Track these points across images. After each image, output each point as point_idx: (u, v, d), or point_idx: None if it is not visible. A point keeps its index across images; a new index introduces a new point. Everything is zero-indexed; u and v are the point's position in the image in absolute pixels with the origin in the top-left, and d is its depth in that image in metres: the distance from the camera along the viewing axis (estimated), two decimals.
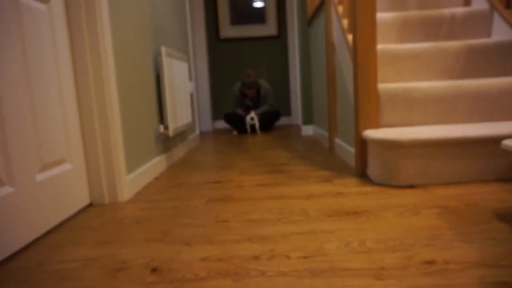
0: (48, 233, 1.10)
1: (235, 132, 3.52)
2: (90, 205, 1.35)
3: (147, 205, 1.31)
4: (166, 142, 2.05)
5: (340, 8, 1.94)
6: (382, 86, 1.54)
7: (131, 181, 1.47)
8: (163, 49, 1.89)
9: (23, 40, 1.03)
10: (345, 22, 1.84)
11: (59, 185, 1.16)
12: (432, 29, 1.95)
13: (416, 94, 1.52)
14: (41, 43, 1.11)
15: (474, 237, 0.87)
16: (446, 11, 1.95)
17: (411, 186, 1.33)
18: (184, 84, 2.39)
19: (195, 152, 2.56)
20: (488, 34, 1.95)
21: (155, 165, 1.80)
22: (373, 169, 1.43)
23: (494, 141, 1.31)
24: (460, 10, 1.95)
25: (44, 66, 1.12)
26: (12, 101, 0.96)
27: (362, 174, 1.53)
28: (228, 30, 4.29)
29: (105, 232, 1.07)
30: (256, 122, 3.44)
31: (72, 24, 1.27)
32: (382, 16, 1.95)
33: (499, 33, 1.87)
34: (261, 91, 3.65)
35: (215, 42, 4.32)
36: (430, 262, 0.77)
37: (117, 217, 1.20)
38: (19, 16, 1.02)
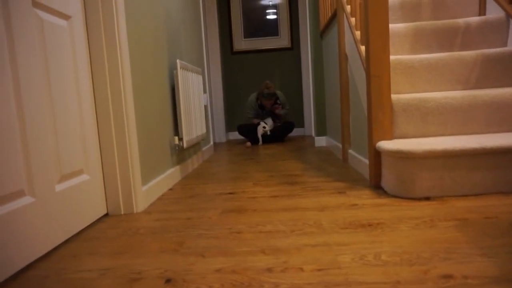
0: (65, 242, 1.12)
1: (248, 143, 3.54)
2: (106, 215, 1.38)
3: (162, 216, 1.33)
4: (180, 153, 2.07)
5: (353, 20, 1.95)
6: (396, 96, 1.52)
7: (146, 192, 1.49)
8: (179, 62, 1.93)
9: (46, 54, 1.07)
10: (357, 33, 1.84)
11: (77, 195, 1.19)
12: (447, 39, 1.94)
13: (431, 104, 1.50)
14: (62, 56, 1.15)
15: (493, 251, 0.84)
16: (461, 21, 1.94)
17: (427, 198, 1.30)
18: (199, 96, 2.43)
19: (209, 163, 2.58)
20: (504, 43, 1.92)
21: (170, 176, 1.82)
22: (387, 181, 1.41)
23: None
24: (474, 19, 1.93)
25: (64, 79, 1.16)
26: (34, 113, 1.00)
27: (376, 186, 1.51)
28: (241, 43, 4.35)
29: (120, 242, 1.09)
30: (268, 127, 3.53)
31: (91, 39, 1.31)
32: (395, 27, 1.94)
33: None
34: (279, 100, 3.72)
35: (229, 54, 4.38)
36: (448, 277, 0.75)
37: (133, 228, 1.21)
38: (42, 31, 1.06)
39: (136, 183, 1.40)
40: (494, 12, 2.01)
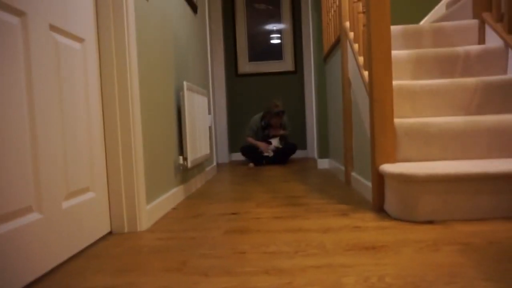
0: (69, 260, 1.12)
1: (251, 165, 3.56)
2: (110, 233, 1.38)
3: (166, 235, 1.33)
4: (184, 173, 2.09)
5: (356, 46, 2.00)
6: (398, 121, 1.55)
7: (150, 211, 1.49)
8: (185, 84, 1.98)
9: (59, 75, 1.11)
10: (361, 59, 1.89)
11: (82, 213, 1.20)
12: (447, 66, 1.98)
13: (433, 129, 1.53)
14: (75, 78, 1.19)
15: (498, 276, 0.84)
16: (461, 49, 1.99)
17: (430, 222, 1.31)
18: (204, 117, 2.47)
19: (212, 183, 2.59)
20: (504, 71, 1.97)
21: (174, 195, 1.83)
22: (390, 204, 1.42)
23: None
24: (474, 48, 1.98)
25: (75, 98, 1.19)
26: (46, 131, 1.03)
27: (379, 209, 1.51)
28: (246, 66, 4.45)
29: (124, 260, 1.09)
30: (271, 149, 3.65)
31: (103, 61, 1.36)
32: (397, 53, 1.99)
33: None
34: (282, 121, 3.79)
35: (234, 77, 4.47)
36: None
37: (136, 246, 1.21)
38: (57, 54, 1.11)
39: (141, 201, 1.41)
40: (493, 41, 2.07)
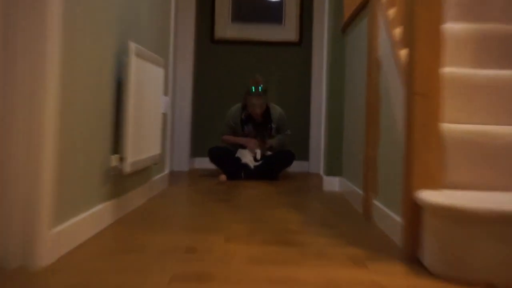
0: None
1: (223, 177, 3.55)
2: None
3: (76, 279, 1.27)
4: (118, 182, 2.05)
5: (391, 12, 1.99)
6: (448, 127, 1.55)
7: (57, 236, 1.44)
8: (132, 46, 1.95)
9: None
10: (397, 31, 1.89)
11: None
12: None
13: (500, 143, 1.52)
14: None
15: None
16: None
17: (490, 285, 1.28)
18: (156, 98, 2.44)
19: (161, 200, 2.59)
20: None
21: (98, 215, 1.80)
22: (430, 252, 1.41)
23: None
24: None
25: None
26: None
27: (412, 258, 1.51)
28: (226, 29, 4.42)
29: None
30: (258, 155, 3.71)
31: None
32: (451, 27, 1.99)
33: None
34: (273, 117, 3.83)
35: (208, 43, 4.43)
36: None
37: None
38: None
39: (43, 221, 1.35)
40: None
